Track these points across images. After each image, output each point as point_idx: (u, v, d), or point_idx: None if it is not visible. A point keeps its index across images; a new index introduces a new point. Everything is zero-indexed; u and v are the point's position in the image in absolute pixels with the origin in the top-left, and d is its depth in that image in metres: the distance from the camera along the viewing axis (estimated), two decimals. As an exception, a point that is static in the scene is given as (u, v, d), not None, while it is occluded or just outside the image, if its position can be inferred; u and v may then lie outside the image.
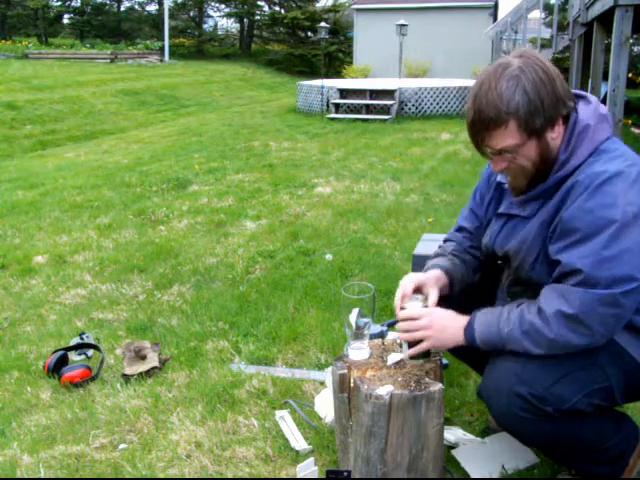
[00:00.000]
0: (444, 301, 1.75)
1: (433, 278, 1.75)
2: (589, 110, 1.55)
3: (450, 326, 1.62)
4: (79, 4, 28.10)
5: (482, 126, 1.49)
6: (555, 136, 1.53)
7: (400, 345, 1.70)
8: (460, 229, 1.94)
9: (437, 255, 1.90)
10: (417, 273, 1.77)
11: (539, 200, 1.59)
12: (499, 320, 1.56)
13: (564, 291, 1.48)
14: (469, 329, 1.60)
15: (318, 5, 28.79)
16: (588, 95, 1.60)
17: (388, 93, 11.66)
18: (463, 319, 1.63)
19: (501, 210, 1.73)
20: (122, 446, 2.05)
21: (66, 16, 28.68)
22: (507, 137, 1.49)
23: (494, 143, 1.51)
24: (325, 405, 2.12)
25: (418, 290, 1.72)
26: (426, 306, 1.66)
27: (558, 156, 1.54)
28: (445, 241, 1.97)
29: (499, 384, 1.55)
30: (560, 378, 1.50)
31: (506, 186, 1.72)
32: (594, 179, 1.46)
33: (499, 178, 1.75)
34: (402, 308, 1.66)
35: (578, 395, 1.50)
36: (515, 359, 1.53)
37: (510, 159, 1.53)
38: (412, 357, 1.67)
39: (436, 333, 1.61)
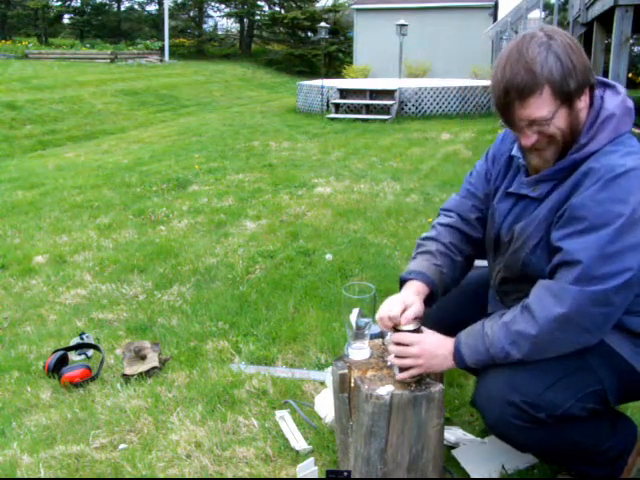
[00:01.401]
0: (426, 306, 1.72)
1: (415, 296, 1.68)
2: (617, 100, 1.53)
3: (439, 353, 1.59)
4: (79, 4, 28.12)
5: (516, 94, 1.43)
6: (582, 107, 1.49)
7: (391, 367, 1.69)
8: (468, 195, 1.84)
9: (425, 252, 1.79)
10: (399, 296, 1.68)
11: (552, 181, 1.56)
12: (484, 341, 1.54)
13: (558, 291, 1.45)
14: (457, 355, 1.58)
15: (318, 5, 28.81)
16: (618, 85, 1.58)
17: (388, 93, 11.66)
18: (451, 343, 1.61)
19: (511, 189, 1.68)
20: (122, 446, 2.05)
21: (66, 16, 28.72)
22: (542, 105, 1.44)
23: (527, 113, 1.45)
24: (325, 405, 2.12)
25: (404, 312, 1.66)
26: (419, 327, 1.63)
27: (579, 138, 1.50)
28: (448, 210, 1.87)
29: (491, 393, 1.54)
30: (552, 384, 1.49)
31: (520, 161, 1.66)
32: (610, 170, 1.43)
33: (514, 152, 1.68)
34: (397, 330, 1.63)
35: (571, 400, 1.49)
36: (505, 367, 1.52)
37: (539, 131, 1.48)
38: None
39: (426, 361, 1.58)
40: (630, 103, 1.55)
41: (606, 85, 1.57)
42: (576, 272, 1.43)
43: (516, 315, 1.51)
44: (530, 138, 1.50)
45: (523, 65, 1.42)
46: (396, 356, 1.61)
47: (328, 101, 12.12)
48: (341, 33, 26.52)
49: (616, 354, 1.54)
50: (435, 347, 1.60)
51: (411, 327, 1.62)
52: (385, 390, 1.57)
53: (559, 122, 1.47)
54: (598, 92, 1.54)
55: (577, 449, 1.59)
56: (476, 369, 1.62)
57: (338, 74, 21.23)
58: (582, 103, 1.49)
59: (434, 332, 1.64)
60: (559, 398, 1.48)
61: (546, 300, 1.47)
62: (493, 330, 1.53)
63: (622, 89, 1.56)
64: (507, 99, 1.45)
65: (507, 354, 1.51)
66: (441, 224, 1.85)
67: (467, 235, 1.82)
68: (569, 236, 1.46)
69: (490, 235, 1.75)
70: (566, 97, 1.45)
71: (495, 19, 20.25)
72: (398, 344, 1.61)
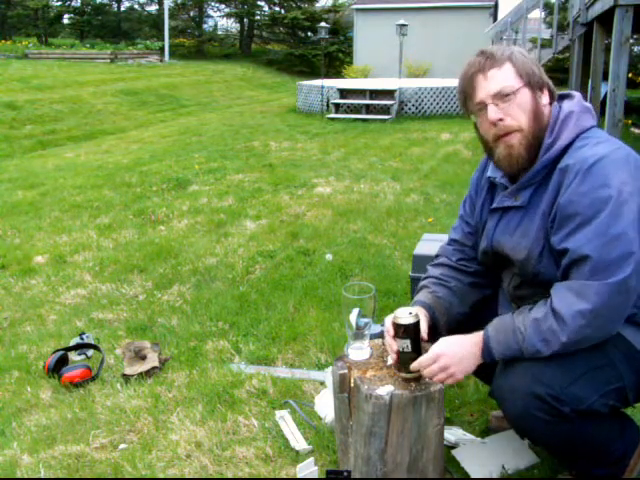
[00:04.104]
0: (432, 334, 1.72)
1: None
2: (572, 101, 1.61)
3: (465, 356, 1.58)
4: (79, 4, 28.05)
5: (479, 69, 1.55)
6: (545, 104, 1.58)
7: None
8: (450, 241, 1.92)
9: (420, 288, 1.86)
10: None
11: (531, 187, 1.59)
12: (516, 336, 1.52)
13: (579, 288, 1.45)
14: (486, 350, 1.56)
15: (318, 5, 28.75)
16: (572, 92, 1.66)
17: (388, 93, 11.66)
18: (474, 341, 1.59)
19: (494, 205, 1.71)
20: (122, 446, 2.06)
21: (66, 16, 28.62)
22: (504, 77, 1.54)
23: (491, 86, 1.54)
24: (325, 405, 2.12)
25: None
26: (418, 321, 1.62)
27: (544, 140, 1.56)
28: (437, 256, 1.94)
29: (515, 384, 1.53)
30: (577, 378, 1.49)
31: (497, 180, 1.69)
32: (584, 163, 1.47)
33: (489, 173, 1.73)
34: (395, 323, 1.62)
35: (595, 395, 1.49)
36: (530, 360, 1.52)
37: (505, 109, 1.54)
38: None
39: (457, 368, 1.56)
40: (586, 103, 1.62)
41: (563, 97, 1.66)
42: (588, 267, 1.44)
43: (547, 314, 1.49)
44: (496, 113, 1.55)
45: (487, 53, 1.58)
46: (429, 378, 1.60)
47: (328, 101, 12.11)
48: (341, 33, 26.46)
49: (636, 351, 1.55)
50: (459, 351, 1.58)
51: (411, 320, 1.60)
52: (385, 390, 1.57)
53: (523, 103, 1.55)
54: (557, 102, 1.62)
55: (590, 446, 1.59)
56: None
57: (338, 74, 21.20)
58: (544, 100, 1.58)
59: (447, 336, 1.63)
60: (584, 393, 1.48)
61: (570, 299, 1.46)
62: (525, 326, 1.52)
63: (576, 93, 1.65)
64: (471, 78, 1.57)
65: (537, 351, 1.50)
66: (431, 265, 1.93)
67: (458, 269, 1.86)
68: (568, 235, 1.47)
69: (487, 259, 1.78)
70: (529, 78, 1.55)
71: (495, 19, 20.21)
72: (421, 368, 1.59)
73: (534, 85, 1.56)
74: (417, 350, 1.62)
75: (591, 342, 1.49)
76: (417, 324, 1.62)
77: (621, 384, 1.53)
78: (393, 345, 1.63)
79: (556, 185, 1.52)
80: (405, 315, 1.61)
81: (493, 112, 1.55)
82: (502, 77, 1.53)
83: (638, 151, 1.59)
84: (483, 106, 1.57)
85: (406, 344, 1.61)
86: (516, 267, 1.68)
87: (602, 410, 1.50)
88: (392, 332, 1.63)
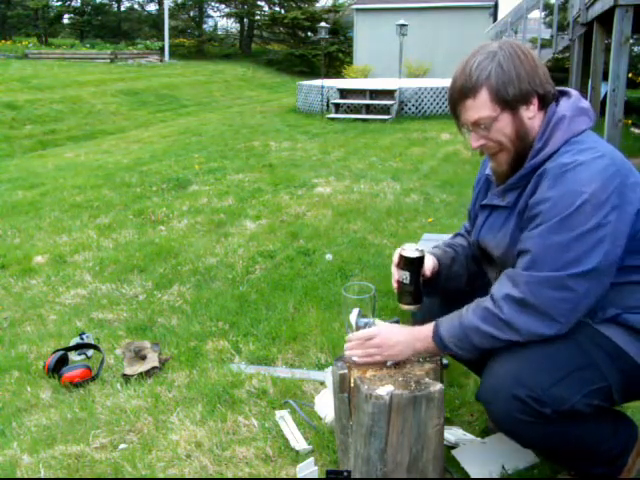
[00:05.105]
0: (430, 286, 1.80)
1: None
2: (568, 103, 1.59)
3: (400, 341, 1.67)
4: (79, 4, 28.07)
5: (456, 95, 1.55)
6: (531, 116, 1.55)
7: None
8: (464, 225, 2.01)
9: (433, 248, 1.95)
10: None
11: (517, 189, 1.62)
12: (460, 318, 1.60)
13: (513, 275, 1.53)
14: (438, 338, 1.62)
15: (318, 5, 28.77)
16: (571, 90, 1.64)
17: (388, 93, 11.66)
18: (419, 333, 1.66)
19: (484, 202, 1.76)
20: (122, 446, 2.06)
21: (66, 16, 28.65)
22: (480, 108, 1.52)
23: (469, 115, 1.55)
24: (325, 405, 2.12)
25: None
26: (422, 255, 1.70)
27: (534, 144, 1.57)
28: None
29: (497, 387, 1.54)
30: (559, 380, 1.49)
31: (492, 177, 1.74)
32: (560, 168, 1.49)
33: (487, 171, 1.77)
34: (400, 256, 1.70)
35: (577, 396, 1.49)
36: (512, 362, 1.53)
37: (485, 136, 1.56)
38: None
39: (387, 351, 1.67)
40: (584, 103, 1.60)
41: (562, 93, 1.63)
42: (526, 259, 1.51)
43: (487, 297, 1.58)
44: (476, 141, 1.59)
45: (466, 70, 1.53)
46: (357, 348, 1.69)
47: (328, 101, 12.11)
48: (341, 33, 26.46)
49: (622, 351, 1.55)
50: (395, 336, 1.67)
51: (415, 254, 1.69)
52: (385, 390, 1.58)
53: (502, 128, 1.55)
54: (554, 101, 1.59)
55: (580, 447, 1.59)
56: (477, 367, 1.63)
57: (338, 74, 21.20)
58: (530, 112, 1.55)
59: (391, 324, 1.75)
60: (565, 394, 1.48)
61: (504, 285, 1.54)
62: (467, 307, 1.61)
63: (574, 92, 1.63)
64: (452, 101, 1.58)
65: (477, 328, 1.55)
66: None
67: (468, 240, 1.93)
68: (529, 232, 1.53)
69: (476, 251, 1.84)
70: (506, 103, 1.52)
71: (495, 19, 20.21)
72: (356, 340, 1.69)
73: (516, 103, 1.52)
74: (415, 284, 1.71)
75: (543, 336, 1.50)
76: (420, 260, 1.69)
77: (605, 384, 1.52)
78: (395, 274, 1.74)
79: (534, 187, 1.55)
80: (411, 249, 1.69)
81: (474, 140, 1.59)
82: (478, 107, 1.52)
83: (638, 151, 1.59)
84: (466, 129, 1.60)
85: (406, 276, 1.71)
86: (499, 264, 1.72)
87: (585, 410, 1.50)
88: (396, 262, 1.74)
